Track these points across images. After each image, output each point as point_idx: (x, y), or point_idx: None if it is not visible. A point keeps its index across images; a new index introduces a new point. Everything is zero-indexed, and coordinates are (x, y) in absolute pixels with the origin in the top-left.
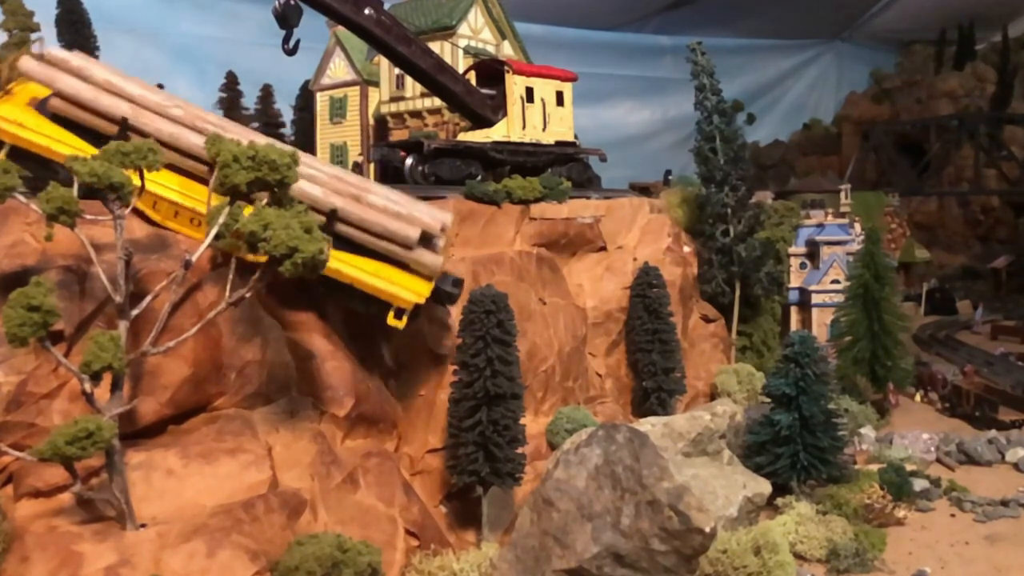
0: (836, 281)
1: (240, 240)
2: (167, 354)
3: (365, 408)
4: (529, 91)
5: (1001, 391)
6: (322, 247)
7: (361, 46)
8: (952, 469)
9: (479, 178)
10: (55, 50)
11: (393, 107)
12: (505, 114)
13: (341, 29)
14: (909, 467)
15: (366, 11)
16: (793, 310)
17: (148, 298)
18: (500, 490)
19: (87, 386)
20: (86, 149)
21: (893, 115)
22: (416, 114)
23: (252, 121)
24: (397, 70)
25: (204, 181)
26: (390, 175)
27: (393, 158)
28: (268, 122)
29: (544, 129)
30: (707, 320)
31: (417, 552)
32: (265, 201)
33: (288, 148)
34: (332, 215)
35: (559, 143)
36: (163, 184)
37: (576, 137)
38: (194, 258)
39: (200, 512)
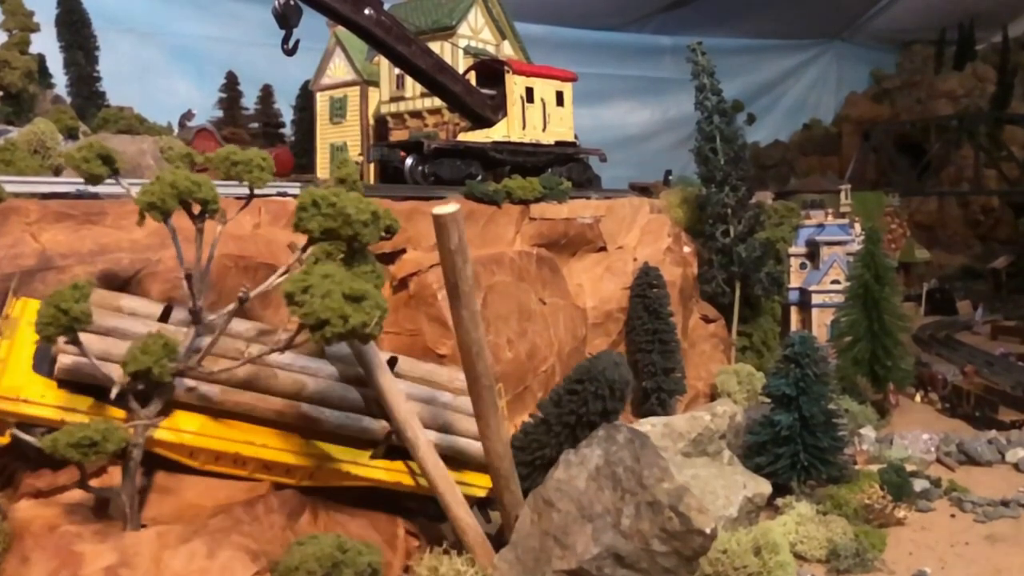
0: (836, 281)
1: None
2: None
3: None
4: (529, 91)
5: (1001, 391)
6: (367, 320)
7: (361, 46)
8: (952, 469)
9: (479, 178)
10: None
11: (393, 107)
12: (505, 114)
13: (341, 29)
14: (909, 467)
15: (366, 11)
16: (793, 310)
17: (212, 316)
18: None
19: (114, 390)
20: None
21: (893, 115)
22: (416, 114)
23: (252, 121)
24: (397, 70)
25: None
26: (390, 175)
27: (393, 158)
28: (268, 122)
29: (544, 129)
30: (707, 320)
31: (417, 552)
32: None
33: (373, 206)
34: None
35: (559, 143)
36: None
37: (576, 137)
38: (252, 295)
39: (200, 512)
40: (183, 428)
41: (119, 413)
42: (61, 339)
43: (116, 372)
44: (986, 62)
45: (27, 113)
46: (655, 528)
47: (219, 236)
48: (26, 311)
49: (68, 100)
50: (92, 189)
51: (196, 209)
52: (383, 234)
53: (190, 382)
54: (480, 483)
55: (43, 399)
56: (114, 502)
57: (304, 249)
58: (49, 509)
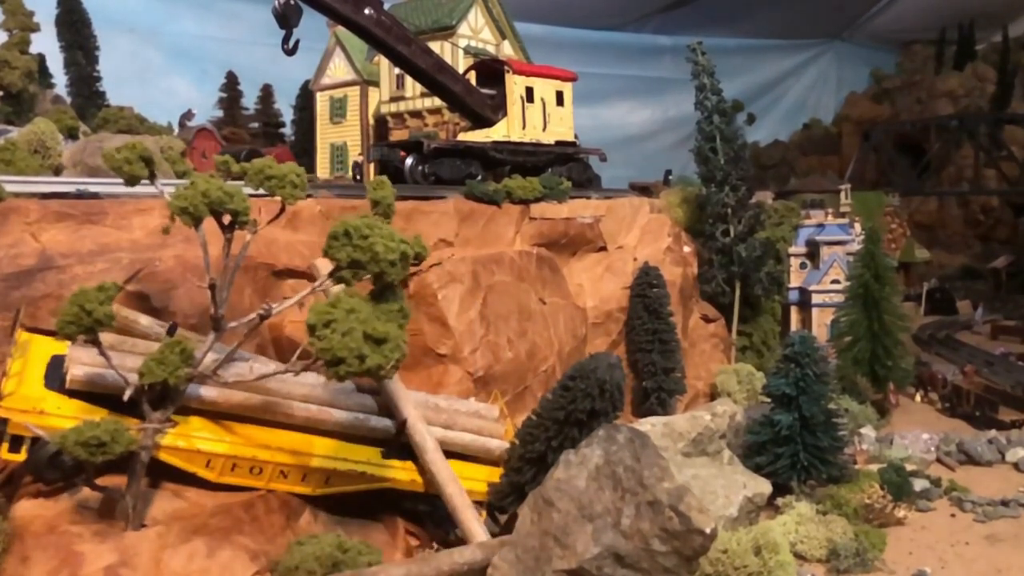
0: (836, 281)
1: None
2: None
3: None
4: (529, 91)
5: (1001, 391)
6: (383, 363)
7: (361, 46)
8: (952, 469)
9: (479, 178)
10: None
11: (393, 107)
12: (505, 114)
13: (341, 29)
14: (909, 467)
15: (366, 11)
16: (793, 310)
17: (234, 323)
18: None
19: (127, 393)
20: None
21: (893, 115)
22: (416, 114)
23: (252, 121)
24: (397, 70)
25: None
26: (390, 175)
27: (393, 158)
28: (268, 122)
29: (544, 129)
30: (707, 320)
31: (417, 552)
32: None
33: (403, 246)
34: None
35: (559, 143)
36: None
37: (576, 137)
38: (274, 312)
39: (200, 512)
40: (197, 434)
41: (132, 422)
42: (81, 338)
43: (131, 378)
44: (986, 62)
45: (27, 113)
46: (655, 528)
47: (247, 245)
48: (32, 341)
49: (68, 100)
50: (92, 189)
51: (227, 219)
52: (412, 261)
53: (205, 388)
54: (479, 476)
55: (59, 410)
56: (120, 503)
57: (331, 275)
58: (49, 509)
